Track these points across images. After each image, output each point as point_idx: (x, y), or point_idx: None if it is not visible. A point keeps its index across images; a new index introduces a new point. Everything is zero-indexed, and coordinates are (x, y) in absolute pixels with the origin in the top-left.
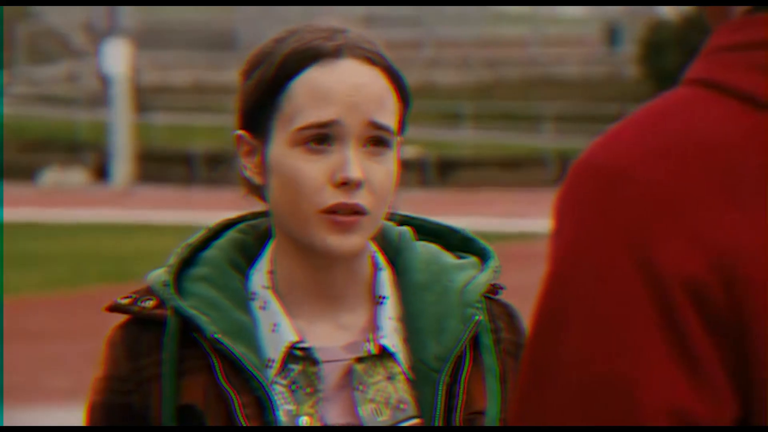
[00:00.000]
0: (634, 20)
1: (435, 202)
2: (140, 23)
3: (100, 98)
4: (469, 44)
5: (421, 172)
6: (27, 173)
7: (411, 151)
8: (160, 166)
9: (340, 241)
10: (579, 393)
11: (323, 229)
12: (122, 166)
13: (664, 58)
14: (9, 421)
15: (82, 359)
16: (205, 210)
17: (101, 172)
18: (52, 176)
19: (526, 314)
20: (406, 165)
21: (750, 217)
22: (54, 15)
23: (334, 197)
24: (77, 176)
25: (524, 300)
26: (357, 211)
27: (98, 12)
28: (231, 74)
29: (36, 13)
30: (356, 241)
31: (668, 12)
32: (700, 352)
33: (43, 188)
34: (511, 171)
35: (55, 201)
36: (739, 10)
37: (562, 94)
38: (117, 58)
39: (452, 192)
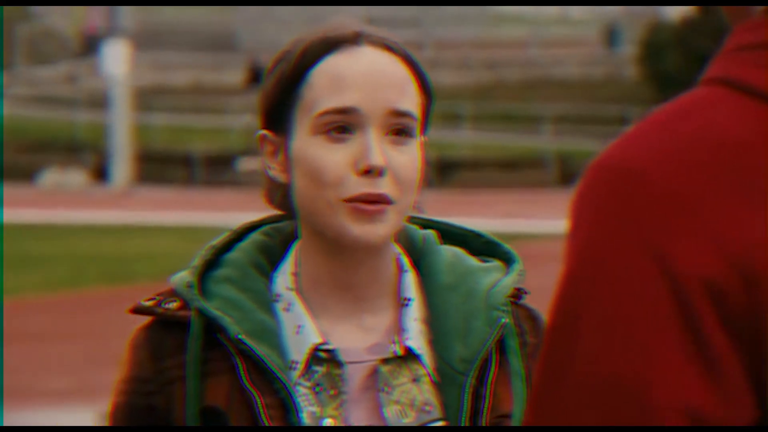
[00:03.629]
0: (634, 21)
1: (435, 203)
2: (139, 24)
3: (100, 99)
4: (469, 45)
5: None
6: (26, 174)
7: None
8: (160, 167)
9: (365, 230)
10: (594, 392)
11: (348, 218)
12: (122, 167)
13: (664, 59)
14: (9, 422)
15: (82, 360)
16: (204, 211)
17: (101, 173)
18: (51, 177)
19: None
20: None
21: (767, 215)
22: (54, 16)
23: (358, 186)
24: (77, 177)
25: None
26: (382, 200)
27: (98, 13)
28: (231, 75)
29: (36, 14)
30: (382, 230)
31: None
32: (717, 352)
33: (43, 189)
34: (510, 172)
35: (54, 202)
36: (758, 9)
37: (562, 95)
38: (116, 59)
39: (452, 193)
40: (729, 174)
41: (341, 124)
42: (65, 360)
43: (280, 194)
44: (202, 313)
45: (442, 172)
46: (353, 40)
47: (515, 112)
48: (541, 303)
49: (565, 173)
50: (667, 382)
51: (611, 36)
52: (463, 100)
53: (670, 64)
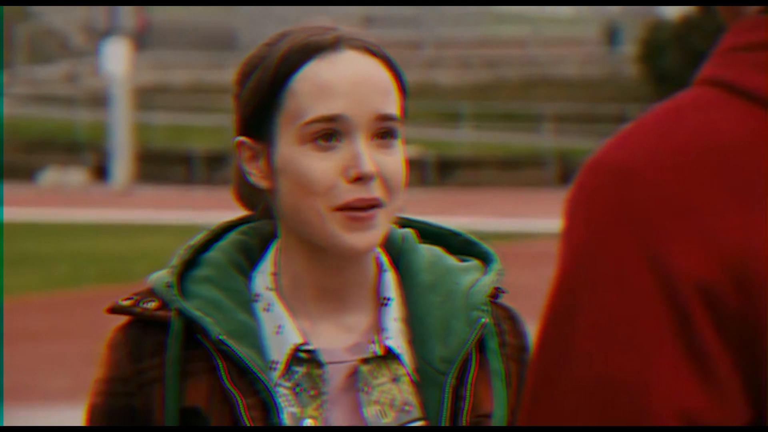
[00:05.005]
0: (634, 20)
1: (434, 202)
2: (140, 23)
3: (100, 98)
4: (468, 44)
5: (420, 172)
6: (27, 173)
7: (411, 151)
8: (160, 166)
9: (359, 238)
10: (588, 393)
11: (341, 227)
12: (122, 166)
13: (664, 58)
14: (9, 421)
15: (81, 359)
16: (204, 210)
17: (101, 172)
18: (51, 176)
19: (526, 314)
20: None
21: (761, 218)
22: (53, 15)
23: (349, 193)
24: (77, 176)
25: (524, 300)
26: (375, 204)
27: (97, 12)
28: (231, 74)
29: (35, 14)
30: (374, 236)
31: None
32: (712, 353)
33: (43, 188)
34: (510, 171)
35: (54, 201)
36: (752, 9)
37: (562, 94)
38: (116, 58)
39: (451, 192)
40: (724, 176)
41: (328, 132)
42: (65, 359)
43: (255, 197)
44: (182, 314)
45: (442, 171)
46: (334, 45)
47: (515, 111)
48: (541, 302)
49: (565, 172)
50: (662, 383)
51: (611, 35)
52: (463, 100)
53: (669, 63)
